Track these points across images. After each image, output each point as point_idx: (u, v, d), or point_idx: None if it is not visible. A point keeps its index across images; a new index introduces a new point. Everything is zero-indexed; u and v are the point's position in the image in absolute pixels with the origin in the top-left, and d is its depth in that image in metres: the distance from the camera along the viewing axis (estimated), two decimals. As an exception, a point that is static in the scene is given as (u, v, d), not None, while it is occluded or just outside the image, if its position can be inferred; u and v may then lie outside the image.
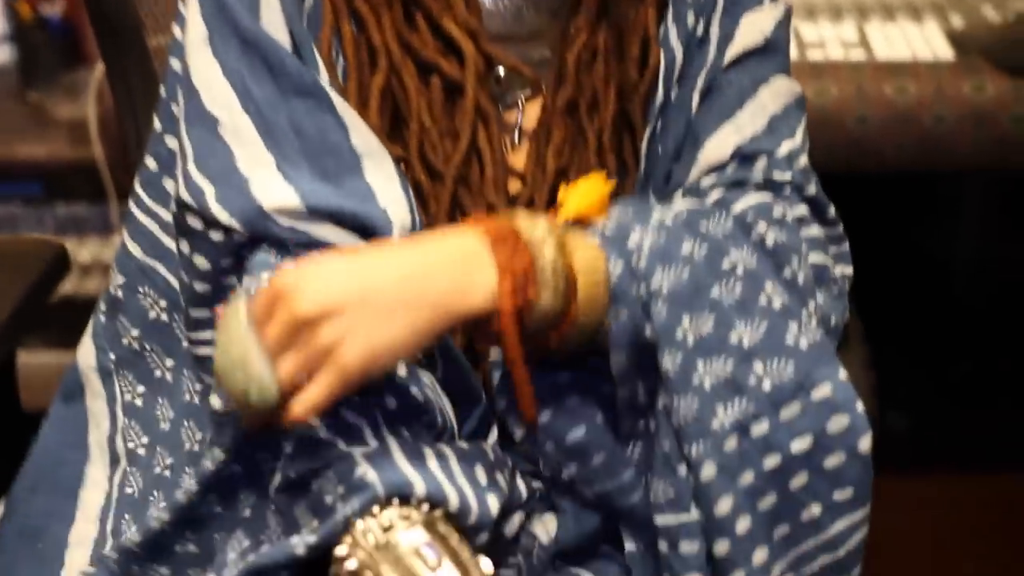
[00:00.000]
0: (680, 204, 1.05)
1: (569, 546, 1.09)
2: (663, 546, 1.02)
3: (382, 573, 0.93)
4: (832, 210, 1.14)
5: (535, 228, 0.99)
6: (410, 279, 0.96)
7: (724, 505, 1.00)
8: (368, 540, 0.94)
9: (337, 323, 0.94)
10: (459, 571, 0.93)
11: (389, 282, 0.95)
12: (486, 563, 0.95)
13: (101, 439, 1.14)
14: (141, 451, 1.12)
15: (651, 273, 1.00)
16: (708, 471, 1.00)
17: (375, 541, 0.94)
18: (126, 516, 1.12)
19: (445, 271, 0.97)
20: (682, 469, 1.01)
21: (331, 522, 0.95)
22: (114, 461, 1.13)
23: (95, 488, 1.13)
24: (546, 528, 1.08)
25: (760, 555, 1.01)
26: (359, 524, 0.95)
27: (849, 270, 1.16)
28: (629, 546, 1.08)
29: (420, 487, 0.96)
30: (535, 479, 1.08)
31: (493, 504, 0.99)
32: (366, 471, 0.96)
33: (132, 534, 1.06)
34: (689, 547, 1.01)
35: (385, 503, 0.95)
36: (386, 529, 0.94)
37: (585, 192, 1.05)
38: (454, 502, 0.97)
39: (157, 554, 1.06)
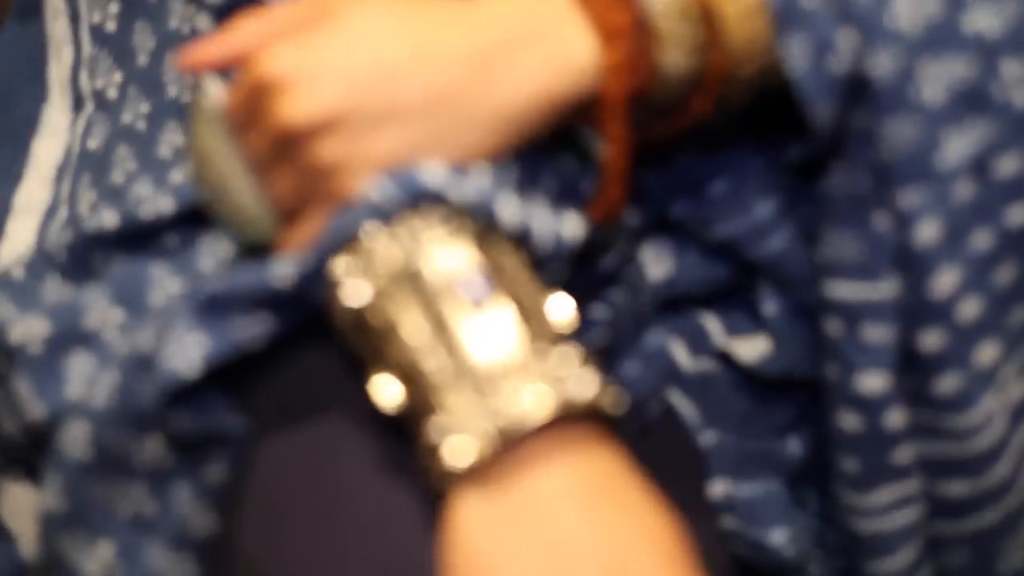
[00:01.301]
0: None
1: (691, 293, 0.78)
2: (833, 326, 0.71)
3: (400, 316, 0.63)
4: None
5: None
6: (449, 73, 0.65)
7: (944, 279, 0.68)
8: (383, 262, 0.64)
9: (338, 139, 0.64)
10: (516, 311, 0.63)
11: (417, 79, 0.65)
12: (561, 301, 0.65)
13: (63, 74, 0.83)
14: (112, 92, 0.81)
15: None
16: (926, 230, 0.68)
17: (394, 265, 0.64)
18: (85, 180, 0.82)
19: (503, 52, 0.66)
20: (880, 221, 0.68)
21: (328, 238, 0.65)
22: (78, 104, 0.83)
23: (52, 138, 0.83)
24: (661, 263, 0.77)
25: (987, 353, 0.69)
26: (370, 236, 0.64)
27: None
28: (769, 309, 0.77)
29: (464, 188, 0.65)
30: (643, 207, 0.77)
31: (572, 225, 0.67)
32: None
33: (104, 217, 0.77)
34: (876, 333, 0.70)
35: (411, 209, 0.65)
36: (411, 247, 0.64)
37: None
38: (513, 216, 0.66)
39: (120, 242, 0.76)
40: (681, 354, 0.79)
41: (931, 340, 0.70)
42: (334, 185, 0.65)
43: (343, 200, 0.65)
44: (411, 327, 0.62)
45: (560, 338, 0.63)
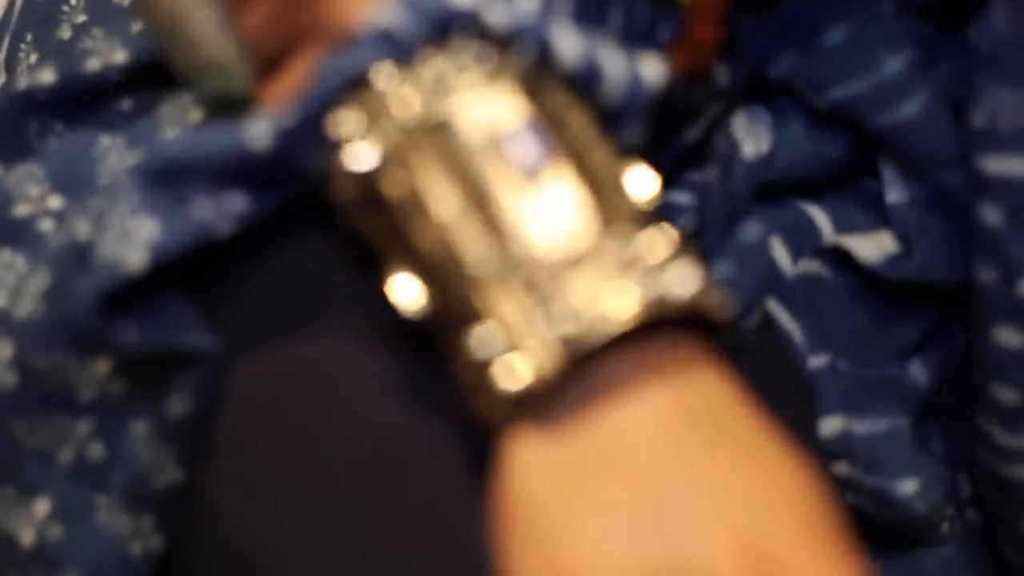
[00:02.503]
0: None
1: (794, 176, 0.61)
2: (991, 215, 0.54)
3: (427, 186, 0.46)
4: None
5: None
6: None
7: None
8: (401, 114, 0.46)
9: None
10: (583, 181, 0.45)
11: None
12: (641, 173, 0.47)
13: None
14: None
15: None
16: None
17: (416, 117, 0.46)
18: (27, 38, 0.65)
19: None
20: None
21: (322, 85, 0.47)
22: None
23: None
24: (755, 138, 0.60)
25: None
26: (380, 80, 0.47)
27: None
28: (896, 196, 0.59)
29: (505, 12, 0.47)
30: (738, 62, 0.59)
31: (652, 69, 0.50)
32: None
33: (39, 74, 0.60)
34: None
35: (435, 43, 0.47)
36: (437, 94, 0.46)
37: None
38: (574, 49, 0.48)
39: (59, 107, 0.59)
40: (782, 255, 0.61)
41: None
42: (327, 12, 0.48)
43: (340, 33, 0.48)
44: (441, 200, 0.45)
45: (645, 219, 0.46)
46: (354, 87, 0.47)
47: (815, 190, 0.62)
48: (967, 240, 0.58)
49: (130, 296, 0.49)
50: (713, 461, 0.43)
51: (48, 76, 0.58)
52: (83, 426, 0.54)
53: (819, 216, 0.62)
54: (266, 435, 0.50)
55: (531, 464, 0.43)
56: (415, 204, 0.45)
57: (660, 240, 0.45)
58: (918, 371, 0.63)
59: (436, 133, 0.45)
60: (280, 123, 0.47)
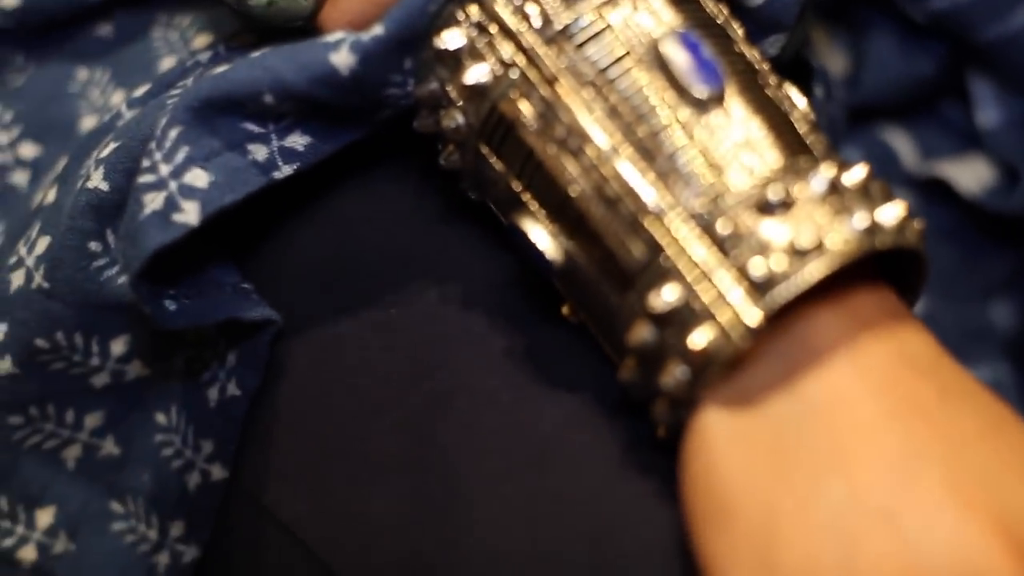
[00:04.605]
0: None
1: (881, 94, 0.53)
2: None
3: (569, 103, 0.36)
4: None
5: None
6: None
7: None
8: (523, 16, 0.37)
9: None
10: (761, 108, 0.37)
11: None
12: (795, 93, 0.39)
13: None
14: None
15: None
16: None
17: (545, 20, 0.37)
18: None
19: None
20: None
21: None
22: None
23: None
24: (839, 56, 0.52)
25: None
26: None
27: None
28: (990, 117, 0.52)
29: None
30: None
31: None
32: None
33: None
34: None
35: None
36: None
37: None
38: None
39: (36, 34, 0.49)
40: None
41: None
42: None
43: None
44: (593, 125, 0.36)
45: (825, 146, 0.37)
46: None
47: (899, 111, 0.54)
48: None
49: (173, 261, 0.39)
50: (948, 428, 0.35)
51: (9, 0, 0.48)
52: (92, 419, 0.44)
53: (899, 141, 0.55)
54: (337, 424, 0.41)
55: (726, 443, 0.35)
56: (555, 131, 0.36)
57: (847, 168, 0.37)
58: (1001, 312, 0.56)
59: (573, 43, 0.36)
60: (365, 40, 0.38)
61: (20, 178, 0.47)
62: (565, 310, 0.39)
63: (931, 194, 0.55)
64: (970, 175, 0.54)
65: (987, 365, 0.55)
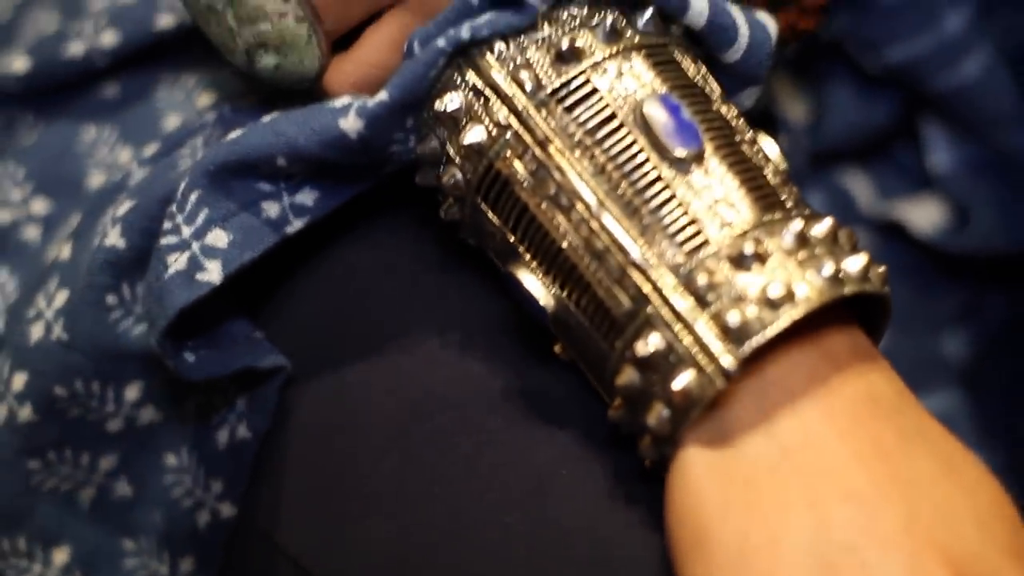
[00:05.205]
0: None
1: (839, 140, 0.57)
2: None
3: (559, 161, 0.40)
4: None
5: None
6: None
7: None
8: (518, 80, 0.40)
9: None
10: (737, 163, 0.40)
11: None
12: (768, 145, 0.42)
13: None
14: None
15: None
16: None
17: (538, 84, 0.40)
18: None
19: None
20: None
21: (423, 54, 0.41)
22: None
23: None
24: (801, 102, 0.55)
25: None
26: (490, 55, 0.41)
27: None
28: (941, 161, 0.56)
29: None
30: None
31: (773, 28, 0.44)
32: None
33: (9, 61, 0.52)
34: None
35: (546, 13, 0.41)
36: (560, 58, 0.40)
37: None
38: (703, 7, 0.42)
39: (46, 95, 0.51)
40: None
41: None
42: None
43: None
44: (582, 182, 0.39)
45: (797, 198, 0.41)
46: (458, 57, 0.40)
47: (857, 155, 0.58)
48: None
49: (191, 315, 0.42)
50: (907, 470, 0.38)
51: (20, 64, 0.50)
52: (107, 461, 0.46)
53: (857, 185, 0.58)
54: (343, 464, 0.43)
55: (705, 478, 0.38)
56: (547, 188, 0.39)
57: (816, 220, 0.40)
58: (954, 344, 0.59)
59: (563, 106, 0.40)
60: (371, 105, 0.41)
61: (33, 233, 0.50)
62: (557, 348, 0.42)
63: (887, 234, 0.58)
64: (923, 216, 0.57)
65: (940, 394, 0.58)
